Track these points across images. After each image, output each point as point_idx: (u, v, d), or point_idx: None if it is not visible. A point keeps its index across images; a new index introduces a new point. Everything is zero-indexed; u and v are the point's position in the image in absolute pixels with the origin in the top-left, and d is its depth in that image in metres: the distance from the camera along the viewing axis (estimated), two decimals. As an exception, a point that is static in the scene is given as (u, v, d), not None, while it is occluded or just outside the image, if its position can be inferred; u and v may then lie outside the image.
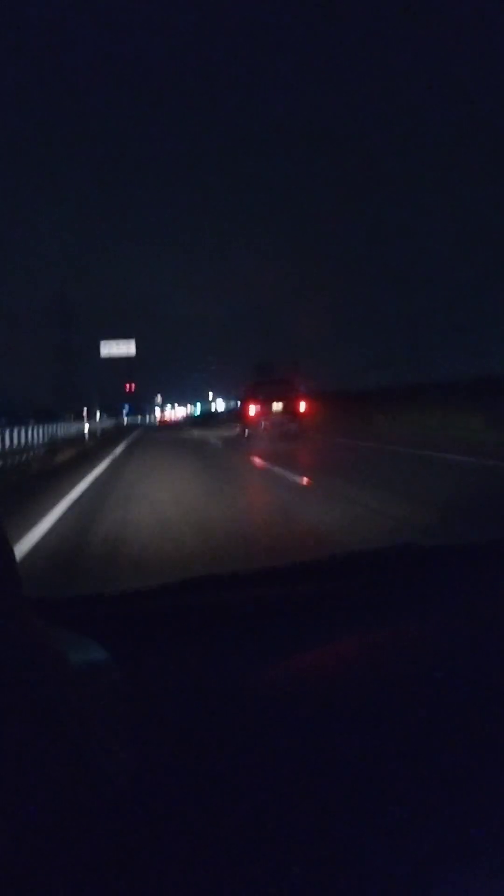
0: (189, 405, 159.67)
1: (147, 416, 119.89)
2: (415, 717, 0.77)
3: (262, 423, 17.49)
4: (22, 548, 4.72)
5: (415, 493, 6.62)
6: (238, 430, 20.12)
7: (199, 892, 0.53)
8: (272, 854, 0.57)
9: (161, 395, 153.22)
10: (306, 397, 18.77)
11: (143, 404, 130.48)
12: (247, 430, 18.15)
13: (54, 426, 23.42)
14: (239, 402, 23.25)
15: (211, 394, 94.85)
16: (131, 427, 51.18)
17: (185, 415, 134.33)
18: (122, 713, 0.75)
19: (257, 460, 11.11)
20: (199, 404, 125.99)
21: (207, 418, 63.37)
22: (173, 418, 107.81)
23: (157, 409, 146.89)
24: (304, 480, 8.15)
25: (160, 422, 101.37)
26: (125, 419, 79.88)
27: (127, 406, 73.30)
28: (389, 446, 13.31)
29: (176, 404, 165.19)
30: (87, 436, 29.56)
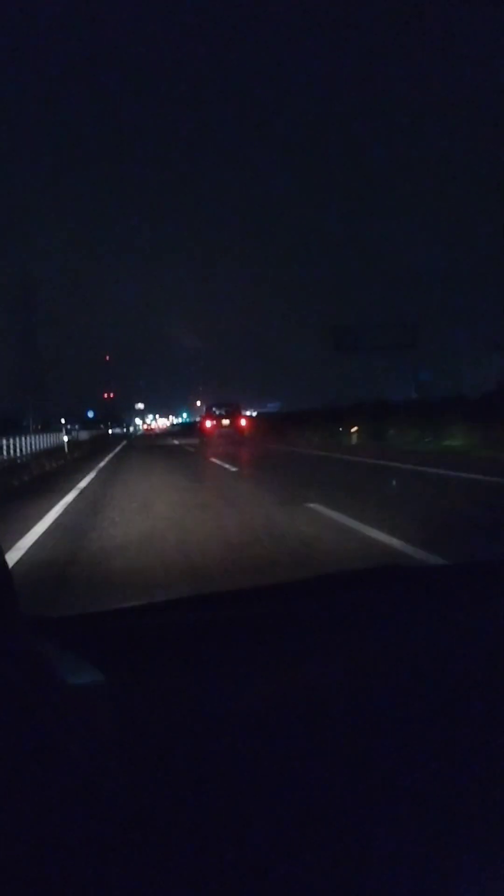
0: (172, 416, 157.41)
1: (128, 427, 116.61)
2: (401, 735, 0.81)
3: (215, 433, 25.41)
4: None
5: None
6: (198, 439, 27.72)
7: None
8: (263, 868, 0.60)
9: (143, 404, 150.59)
10: (246, 417, 28.82)
11: (121, 414, 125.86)
12: (204, 439, 26.01)
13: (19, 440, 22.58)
14: (199, 419, 31.37)
15: (199, 402, 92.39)
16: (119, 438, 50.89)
17: (167, 424, 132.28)
18: (116, 734, 0.76)
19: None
20: (185, 414, 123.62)
21: (188, 428, 67.24)
22: (158, 428, 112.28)
23: (138, 420, 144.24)
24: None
25: (146, 430, 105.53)
26: (111, 430, 75.39)
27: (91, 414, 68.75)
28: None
29: (157, 415, 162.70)
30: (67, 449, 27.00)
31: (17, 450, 22.15)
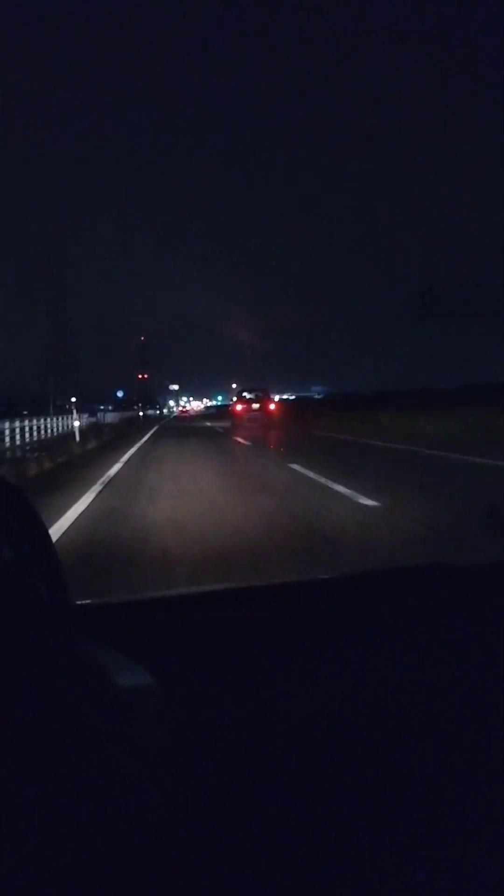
0: (205, 399, 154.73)
1: (161, 409, 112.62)
2: (443, 737, 0.82)
3: (244, 416, 26.15)
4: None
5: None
6: (230, 421, 28.94)
7: None
8: (310, 876, 0.61)
9: (177, 385, 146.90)
10: (274, 402, 29.24)
11: (155, 395, 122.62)
12: (234, 421, 27.00)
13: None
14: (232, 402, 32.28)
15: (235, 385, 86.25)
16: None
17: (201, 407, 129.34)
18: (164, 738, 0.76)
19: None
20: (220, 397, 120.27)
21: (221, 410, 65.90)
22: (193, 410, 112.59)
23: (172, 402, 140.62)
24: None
25: (180, 412, 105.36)
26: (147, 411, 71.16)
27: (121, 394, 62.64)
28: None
29: (191, 397, 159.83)
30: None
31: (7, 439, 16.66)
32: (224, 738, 0.80)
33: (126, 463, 12.14)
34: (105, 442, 20.34)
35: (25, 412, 45.05)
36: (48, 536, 0.64)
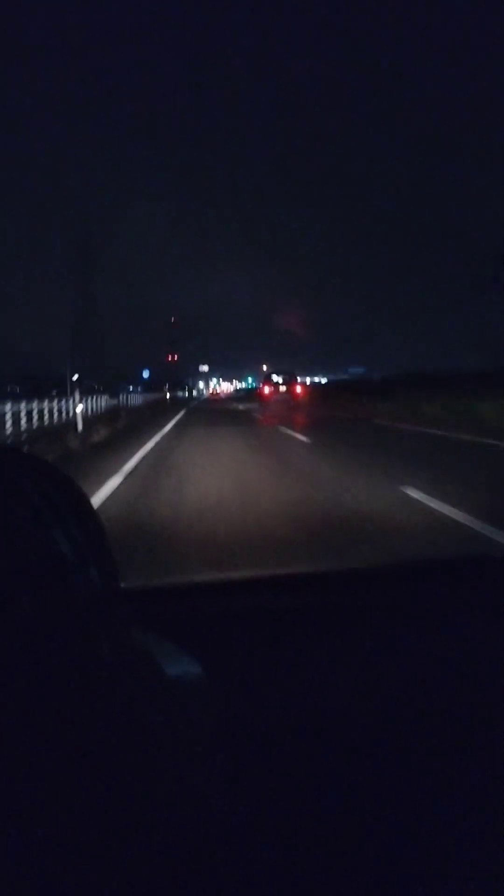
0: (235, 380, 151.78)
1: (190, 391, 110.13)
2: (470, 729, 0.83)
3: (272, 398, 28.82)
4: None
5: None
6: (258, 403, 29.84)
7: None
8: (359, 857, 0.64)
9: (207, 366, 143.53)
10: (301, 385, 32.80)
11: (185, 376, 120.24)
12: (262, 403, 28.81)
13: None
14: (260, 384, 34.59)
15: (265, 367, 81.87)
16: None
17: (231, 389, 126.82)
18: (213, 728, 0.76)
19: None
20: (250, 378, 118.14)
21: (250, 393, 64.83)
22: (223, 393, 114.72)
23: (202, 383, 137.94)
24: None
25: (211, 395, 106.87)
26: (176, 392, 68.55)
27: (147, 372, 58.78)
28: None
29: (221, 379, 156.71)
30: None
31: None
32: (265, 726, 0.82)
33: (129, 476, 7.55)
34: (116, 432, 15.98)
35: (55, 392, 41.25)
36: (100, 524, 0.64)
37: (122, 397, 38.37)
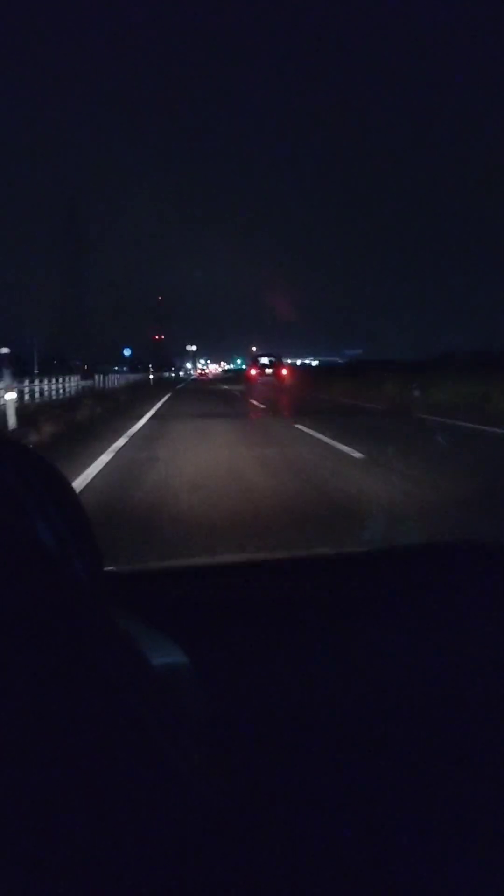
0: (223, 362, 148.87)
1: (177, 371, 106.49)
2: (464, 715, 0.83)
3: (258, 380, 29.25)
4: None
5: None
6: (244, 385, 31.13)
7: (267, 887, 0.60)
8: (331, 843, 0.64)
9: (195, 346, 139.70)
10: (287, 367, 33.28)
11: (171, 356, 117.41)
12: (248, 384, 29.38)
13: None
14: (247, 366, 35.60)
15: (254, 348, 77.81)
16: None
17: (218, 371, 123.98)
18: (198, 719, 0.75)
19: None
20: (238, 360, 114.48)
21: (239, 374, 64.08)
22: (211, 373, 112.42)
23: (189, 364, 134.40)
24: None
25: (199, 374, 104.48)
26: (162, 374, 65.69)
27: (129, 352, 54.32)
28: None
29: (208, 361, 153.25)
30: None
31: None
32: (255, 713, 0.81)
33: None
34: (64, 431, 11.25)
35: (37, 371, 39.50)
36: (83, 511, 0.65)
37: (98, 379, 33.87)
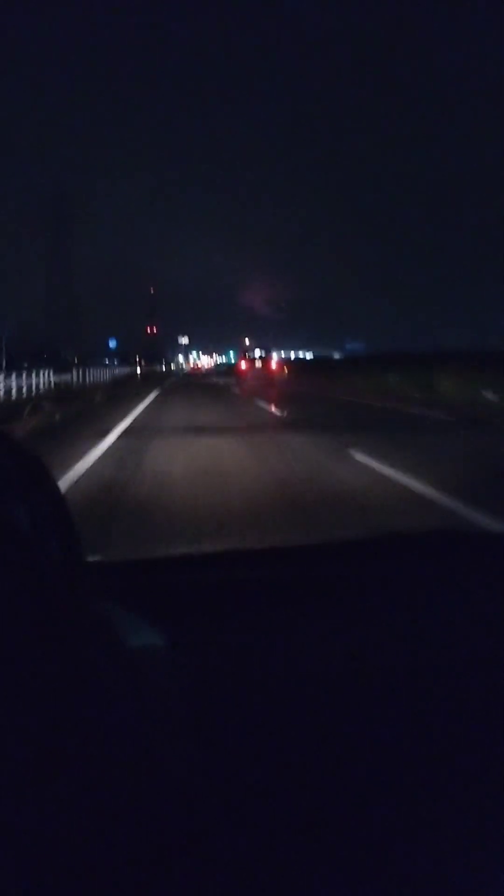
0: (215, 354, 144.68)
1: (169, 364, 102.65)
2: (443, 703, 0.83)
3: (249, 373, 30.18)
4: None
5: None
6: (234, 378, 31.40)
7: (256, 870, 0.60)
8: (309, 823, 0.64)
9: (188, 338, 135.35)
10: (277, 361, 34.70)
11: (164, 349, 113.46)
12: (239, 378, 30.06)
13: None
14: (238, 360, 36.75)
15: (247, 340, 73.86)
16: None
17: (212, 364, 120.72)
18: (177, 700, 0.76)
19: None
20: (231, 352, 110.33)
21: (231, 368, 64.00)
22: (204, 367, 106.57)
23: (181, 357, 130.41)
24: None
25: (192, 369, 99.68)
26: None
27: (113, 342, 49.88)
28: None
29: (200, 352, 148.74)
30: None
31: None
32: (236, 699, 0.82)
33: None
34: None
35: (26, 364, 35.06)
36: (63, 500, 0.65)
37: (77, 373, 29.50)
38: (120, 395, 20.77)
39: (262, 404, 14.91)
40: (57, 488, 0.64)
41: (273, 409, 13.80)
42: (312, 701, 0.82)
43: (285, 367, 36.15)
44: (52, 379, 24.01)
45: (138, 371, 45.89)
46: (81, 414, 13.10)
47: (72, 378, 27.59)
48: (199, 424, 10.91)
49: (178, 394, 22.08)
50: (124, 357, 63.86)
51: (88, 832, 0.48)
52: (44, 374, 23.07)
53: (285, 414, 12.55)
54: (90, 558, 1.04)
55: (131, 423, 10.85)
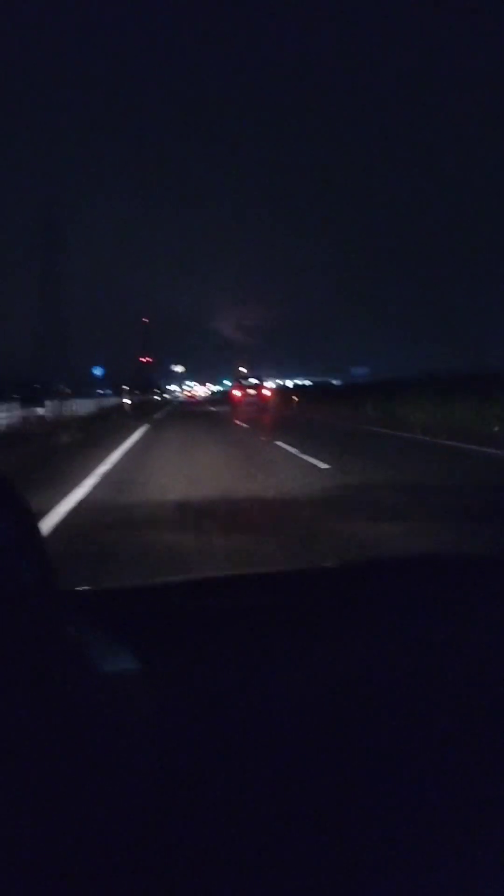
0: (209, 384, 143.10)
1: (162, 394, 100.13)
2: (433, 728, 0.81)
3: (242, 401, 30.72)
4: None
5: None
6: (229, 406, 32.82)
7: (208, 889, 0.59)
8: (283, 847, 0.61)
9: (182, 367, 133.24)
10: (269, 389, 35.33)
11: (158, 378, 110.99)
12: (232, 405, 31.38)
13: None
14: (232, 388, 36.81)
15: (244, 369, 70.36)
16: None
17: (207, 392, 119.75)
18: (149, 724, 0.76)
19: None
20: (226, 381, 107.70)
21: (226, 396, 62.27)
22: (199, 396, 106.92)
23: (174, 386, 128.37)
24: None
25: (187, 398, 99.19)
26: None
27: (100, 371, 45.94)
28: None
29: (195, 382, 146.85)
30: None
31: None
32: (220, 724, 0.81)
33: None
34: None
35: (16, 396, 31.79)
36: (35, 524, 0.65)
37: (54, 404, 25.31)
38: (98, 432, 16.63)
39: (262, 436, 14.81)
40: (30, 512, 0.62)
41: (287, 446, 9.89)
42: (286, 728, 0.80)
43: (291, 395, 37.57)
44: (20, 414, 19.83)
45: (125, 401, 41.60)
46: (25, 467, 8.94)
47: (46, 411, 23.40)
48: (199, 478, 6.88)
49: (170, 429, 17.82)
50: (118, 386, 60.44)
51: (54, 854, 0.46)
52: (5, 410, 18.87)
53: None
54: (79, 588, 1.04)
55: (87, 495, 6.52)
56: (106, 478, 7.81)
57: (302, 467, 8.67)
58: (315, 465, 8.75)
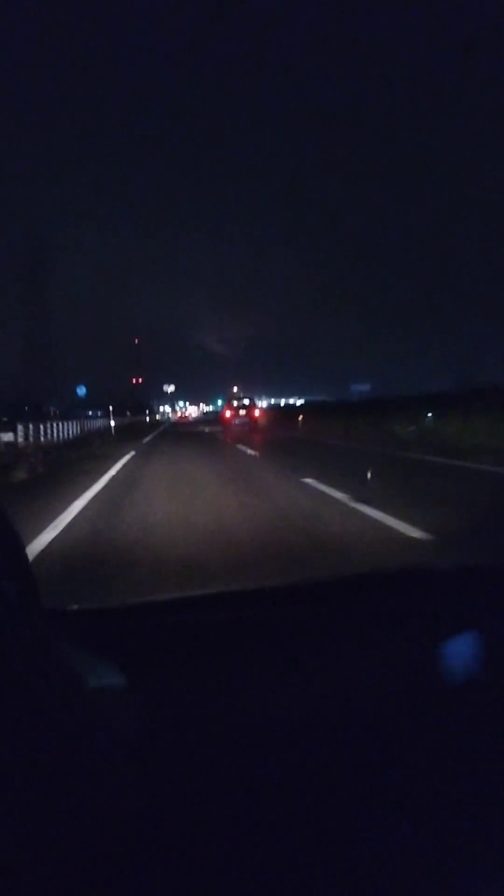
0: (202, 404, 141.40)
1: (153, 414, 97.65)
2: (424, 740, 0.80)
3: (233, 421, 31.54)
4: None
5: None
6: (220, 426, 34.19)
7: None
8: (268, 880, 0.60)
9: (173, 387, 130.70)
10: (259, 409, 36.17)
11: (149, 398, 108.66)
12: (224, 426, 32.45)
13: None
14: (223, 409, 37.36)
15: (236, 388, 67.76)
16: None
17: (199, 413, 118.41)
18: (135, 742, 0.76)
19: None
20: (219, 401, 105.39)
21: (218, 416, 60.93)
22: (191, 416, 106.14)
23: (165, 407, 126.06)
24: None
25: (179, 419, 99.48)
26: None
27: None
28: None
29: (187, 402, 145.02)
30: None
31: None
32: (207, 739, 0.80)
33: None
34: None
35: (5, 419, 29.82)
36: (19, 542, 0.65)
37: (27, 430, 22.19)
38: (69, 465, 13.48)
39: (253, 452, 14.13)
40: (13, 529, 0.62)
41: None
42: (272, 742, 0.80)
43: (296, 415, 37.90)
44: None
45: (111, 423, 38.46)
46: None
47: (16, 436, 20.20)
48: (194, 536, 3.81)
49: (158, 460, 14.58)
50: (107, 407, 57.99)
51: (40, 872, 0.47)
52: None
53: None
54: (71, 607, 1.04)
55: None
56: (46, 555, 4.65)
57: (377, 529, 5.21)
58: (396, 530, 5.07)
